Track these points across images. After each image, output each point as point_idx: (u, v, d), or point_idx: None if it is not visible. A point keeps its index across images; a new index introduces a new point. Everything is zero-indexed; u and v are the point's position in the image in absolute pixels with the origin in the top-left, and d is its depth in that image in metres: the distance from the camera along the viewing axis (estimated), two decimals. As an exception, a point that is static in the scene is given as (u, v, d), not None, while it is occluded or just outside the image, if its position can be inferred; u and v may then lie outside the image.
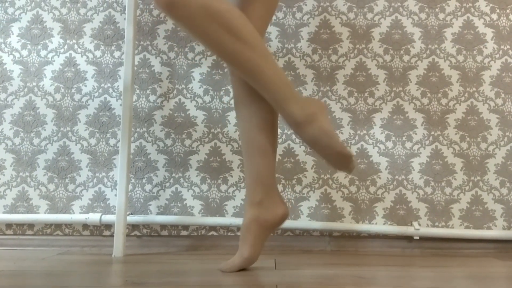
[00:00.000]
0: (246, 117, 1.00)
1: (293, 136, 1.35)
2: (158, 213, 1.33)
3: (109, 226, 1.32)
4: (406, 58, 1.38)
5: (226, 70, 1.37)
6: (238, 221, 1.30)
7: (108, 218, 1.30)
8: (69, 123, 1.35)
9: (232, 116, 1.36)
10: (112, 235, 1.26)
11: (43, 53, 1.37)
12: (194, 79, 1.37)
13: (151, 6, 1.39)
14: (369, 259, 1.17)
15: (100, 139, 1.35)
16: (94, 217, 1.30)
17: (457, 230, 1.33)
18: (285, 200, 1.32)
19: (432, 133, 1.36)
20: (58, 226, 1.33)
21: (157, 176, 1.34)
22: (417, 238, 1.32)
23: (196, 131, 1.35)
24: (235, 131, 1.35)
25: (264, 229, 0.99)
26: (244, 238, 0.99)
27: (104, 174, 1.34)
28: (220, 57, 0.94)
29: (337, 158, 0.93)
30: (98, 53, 1.37)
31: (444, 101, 1.36)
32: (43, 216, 1.32)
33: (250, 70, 0.92)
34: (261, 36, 1.00)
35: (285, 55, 1.37)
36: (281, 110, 0.94)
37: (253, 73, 0.92)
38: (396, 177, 1.35)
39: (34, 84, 1.36)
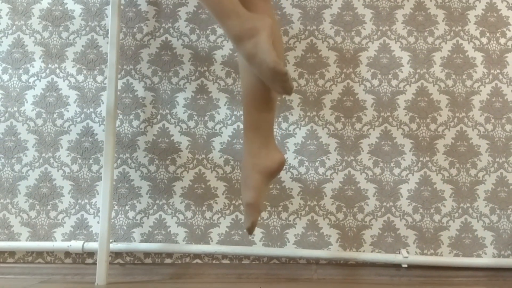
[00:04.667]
0: (249, 69, 1.10)
1: (279, 162, 1.45)
2: (141, 241, 1.43)
3: (91, 253, 1.42)
4: (394, 82, 1.48)
5: (211, 95, 1.47)
6: (223, 248, 1.41)
7: (90, 245, 1.41)
8: (51, 149, 1.45)
9: (217, 142, 1.46)
10: (94, 263, 1.36)
11: (24, 77, 1.47)
12: (178, 104, 1.47)
13: (135, 30, 1.50)
14: (356, 288, 1.27)
15: (83, 165, 1.45)
16: (76, 244, 1.40)
17: (446, 258, 1.43)
18: (270, 228, 1.43)
19: (421, 159, 1.46)
20: (39, 253, 1.43)
21: (140, 203, 1.44)
22: (406, 266, 1.42)
23: (180, 157, 1.46)
24: (220, 157, 1.45)
25: (264, 177, 1.09)
26: (245, 186, 1.08)
27: (86, 200, 1.44)
28: None
29: (271, 75, 1.01)
30: (80, 78, 1.48)
31: (433, 126, 1.47)
32: (24, 243, 1.42)
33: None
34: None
35: (271, 79, 1.48)
36: (222, 24, 1.05)
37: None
38: (384, 203, 1.45)
39: (15, 109, 1.46)
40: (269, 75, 1.01)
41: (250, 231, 1.08)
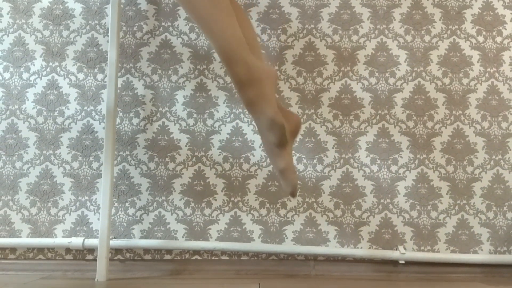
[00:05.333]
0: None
1: (278, 160, 1.47)
2: (141, 237, 1.45)
3: (92, 250, 1.44)
4: (391, 80, 1.50)
5: (210, 93, 1.49)
6: (222, 245, 1.43)
7: (91, 242, 1.43)
8: (51, 146, 1.47)
9: (216, 139, 1.48)
10: (95, 259, 1.38)
11: (25, 75, 1.50)
12: (178, 102, 1.49)
13: (135, 29, 1.52)
14: (354, 284, 1.29)
15: (83, 163, 1.47)
16: (76, 241, 1.43)
17: (443, 254, 1.45)
18: (269, 225, 1.45)
19: (418, 156, 1.48)
20: (40, 250, 1.45)
21: (140, 199, 1.46)
22: (403, 262, 1.44)
23: (179, 155, 1.48)
24: (219, 154, 1.47)
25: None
26: (273, 155, 1.11)
27: (87, 197, 1.46)
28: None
29: (270, 125, 1.05)
30: (81, 76, 1.50)
31: (430, 124, 1.49)
32: (25, 240, 1.44)
33: (203, 17, 1.04)
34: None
35: (270, 77, 1.50)
36: (228, 68, 1.07)
37: (205, 20, 1.05)
38: (382, 200, 1.47)
39: (16, 107, 1.49)
40: (268, 125, 1.05)
41: (294, 194, 1.11)
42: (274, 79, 1.09)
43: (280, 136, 1.06)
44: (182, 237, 1.46)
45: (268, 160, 1.48)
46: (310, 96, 1.50)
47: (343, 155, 1.49)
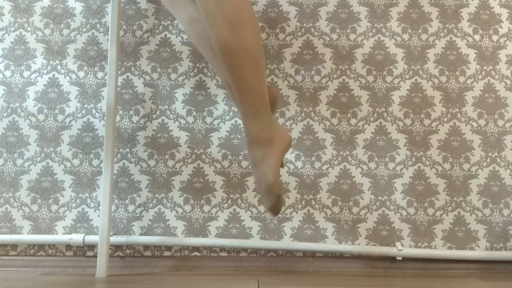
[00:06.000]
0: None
1: (276, 157, 1.49)
2: (141, 234, 1.47)
3: (92, 246, 1.46)
4: (388, 79, 1.53)
5: (209, 91, 1.52)
6: (221, 241, 1.45)
7: (91, 238, 1.45)
8: (52, 144, 1.50)
9: (215, 137, 1.50)
10: (95, 256, 1.40)
11: (26, 73, 1.52)
12: (177, 100, 1.51)
13: (134, 27, 1.54)
14: (352, 280, 1.31)
15: (83, 160, 1.49)
16: (77, 237, 1.44)
17: (440, 250, 1.47)
18: (267, 221, 1.47)
19: (415, 153, 1.50)
20: (41, 246, 1.47)
21: (140, 196, 1.49)
22: (400, 258, 1.46)
23: (179, 152, 1.50)
24: (218, 152, 1.50)
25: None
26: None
27: (87, 194, 1.48)
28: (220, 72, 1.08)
29: (267, 190, 1.05)
30: (81, 74, 1.52)
31: (427, 121, 1.51)
32: (26, 236, 1.46)
33: (239, 75, 1.04)
34: None
35: (269, 75, 1.52)
36: (244, 120, 1.07)
37: (239, 76, 1.04)
38: (379, 197, 1.49)
39: (18, 104, 1.51)
40: (265, 189, 1.05)
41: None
42: (286, 146, 1.09)
43: (274, 204, 1.06)
44: (182, 233, 1.48)
45: (266, 158, 1.50)
46: (308, 94, 1.53)
47: (341, 153, 1.51)
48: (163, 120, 1.51)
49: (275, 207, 1.08)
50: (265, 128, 1.07)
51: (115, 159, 1.49)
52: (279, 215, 1.48)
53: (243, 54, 1.02)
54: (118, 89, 1.51)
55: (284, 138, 1.10)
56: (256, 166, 1.08)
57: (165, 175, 1.50)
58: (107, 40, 1.52)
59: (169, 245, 1.47)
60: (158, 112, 1.51)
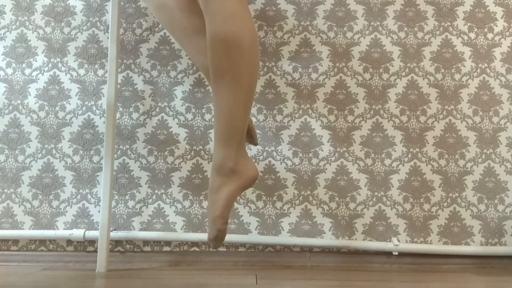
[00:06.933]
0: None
1: (274, 154, 1.52)
2: (141, 229, 1.50)
3: (92, 242, 1.49)
4: (385, 76, 1.55)
5: (208, 88, 1.54)
6: (220, 237, 1.47)
7: (91, 234, 1.47)
8: (53, 140, 1.52)
9: (213, 134, 1.52)
10: (95, 251, 1.43)
11: (27, 71, 1.54)
12: (177, 97, 1.54)
13: (134, 25, 1.56)
14: (349, 275, 1.33)
15: (84, 156, 1.52)
16: (77, 233, 1.47)
17: (436, 246, 1.50)
18: (265, 217, 1.50)
19: (411, 150, 1.53)
20: (42, 242, 1.50)
21: (140, 192, 1.51)
22: (396, 253, 1.49)
23: (178, 148, 1.52)
24: (217, 148, 1.52)
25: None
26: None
27: (87, 190, 1.51)
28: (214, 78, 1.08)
29: (212, 220, 1.07)
30: (81, 72, 1.54)
31: (422, 118, 1.54)
32: (27, 232, 1.49)
33: (225, 101, 1.07)
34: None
35: (266, 73, 1.55)
36: (216, 145, 1.09)
37: (225, 103, 1.07)
38: (376, 193, 1.52)
39: (19, 102, 1.53)
40: (210, 219, 1.06)
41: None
42: (249, 182, 1.08)
43: (214, 237, 1.06)
44: (181, 229, 1.51)
45: (265, 154, 1.53)
46: (305, 91, 1.55)
47: (338, 149, 1.54)
48: (162, 117, 1.54)
49: (214, 240, 1.08)
50: (231, 158, 1.07)
51: (115, 156, 1.52)
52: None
53: (238, 51, 1.05)
54: (118, 86, 1.53)
55: (249, 173, 1.09)
56: (211, 193, 1.08)
57: (164, 171, 1.52)
58: (107, 38, 1.55)
59: (168, 240, 1.50)
60: (157, 109, 1.54)
